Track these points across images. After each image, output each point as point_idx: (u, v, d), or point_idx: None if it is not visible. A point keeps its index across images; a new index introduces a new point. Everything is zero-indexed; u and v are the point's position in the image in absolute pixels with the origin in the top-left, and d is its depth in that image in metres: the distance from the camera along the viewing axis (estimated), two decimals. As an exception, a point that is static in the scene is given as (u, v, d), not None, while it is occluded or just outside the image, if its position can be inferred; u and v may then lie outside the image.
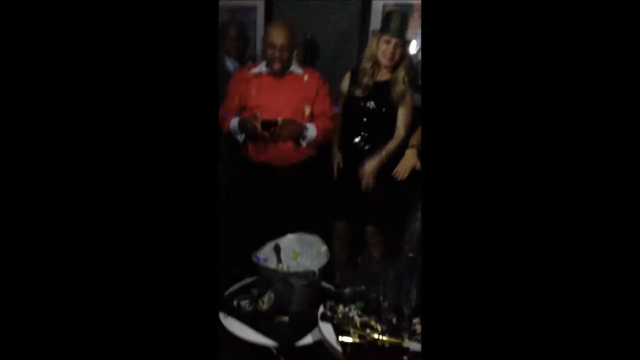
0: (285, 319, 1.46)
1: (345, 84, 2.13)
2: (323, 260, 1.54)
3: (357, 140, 2.08)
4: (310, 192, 2.14)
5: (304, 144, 2.03)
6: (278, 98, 2.02)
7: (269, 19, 2.75)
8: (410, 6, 2.37)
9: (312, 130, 2.02)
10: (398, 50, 1.97)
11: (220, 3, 3.34)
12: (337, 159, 2.13)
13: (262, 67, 2.07)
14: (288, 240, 1.62)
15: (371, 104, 2.03)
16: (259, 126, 1.92)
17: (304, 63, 2.30)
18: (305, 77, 2.07)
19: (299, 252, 1.59)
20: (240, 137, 2.07)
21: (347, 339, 1.34)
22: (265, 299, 1.52)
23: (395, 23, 1.95)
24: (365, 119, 2.06)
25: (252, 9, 2.80)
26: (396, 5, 2.40)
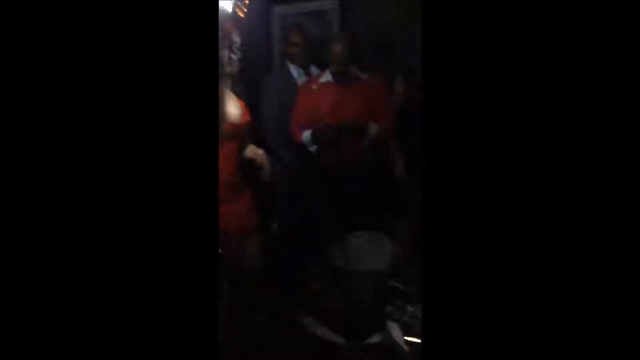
0: (354, 317, 1.48)
1: (400, 84, 2.11)
2: (391, 258, 1.53)
3: (417, 140, 2.04)
4: (375, 191, 2.14)
5: (368, 143, 2.05)
6: (346, 104, 2.07)
7: (344, 21, 2.78)
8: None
9: (373, 128, 2.03)
10: None
11: (285, 7, 3.33)
12: (399, 165, 2.12)
13: (328, 77, 2.13)
14: (357, 238, 1.64)
15: None
16: (331, 134, 1.98)
17: (374, 63, 2.29)
18: (368, 79, 2.09)
19: (366, 251, 1.59)
20: (313, 148, 2.14)
21: (414, 339, 1.33)
22: (335, 296, 1.55)
23: None
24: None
25: (325, 12, 2.85)
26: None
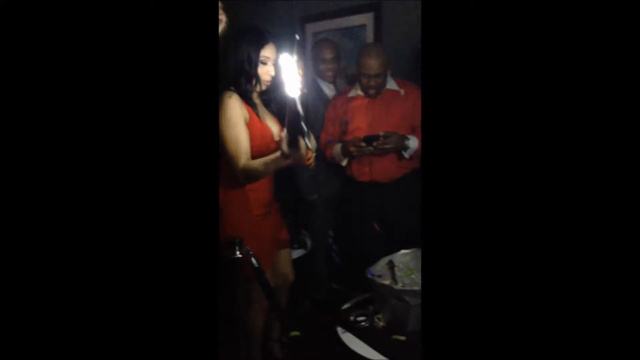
0: (402, 338, 1.44)
1: None
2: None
3: None
4: (418, 206, 2.09)
5: (407, 155, 2.01)
6: (377, 116, 2.04)
7: (378, 36, 2.79)
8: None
9: (414, 141, 1.99)
10: None
11: (315, 24, 3.33)
12: None
13: (357, 90, 2.11)
14: (402, 257, 1.61)
15: None
16: (362, 143, 1.95)
17: (412, 76, 2.27)
18: (402, 92, 2.06)
19: (413, 269, 1.56)
20: (344, 161, 2.12)
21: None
22: (381, 316, 1.51)
23: None
24: None
25: (361, 27, 2.86)
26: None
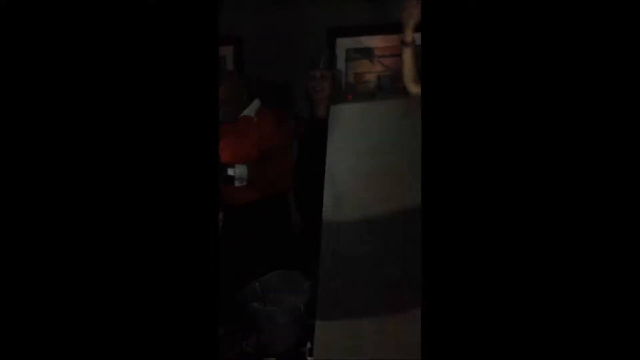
0: (273, 359, 1.41)
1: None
2: (307, 295, 1.50)
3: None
4: (284, 228, 2.14)
5: (237, 183, 2.04)
6: (231, 143, 2.07)
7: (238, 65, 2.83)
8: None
9: (239, 170, 2.03)
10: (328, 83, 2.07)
11: None
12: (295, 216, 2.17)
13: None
14: (270, 278, 1.59)
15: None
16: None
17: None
18: (255, 119, 2.13)
19: (281, 289, 1.55)
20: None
21: (337, 375, 1.29)
22: (250, 341, 1.46)
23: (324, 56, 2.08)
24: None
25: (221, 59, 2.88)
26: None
